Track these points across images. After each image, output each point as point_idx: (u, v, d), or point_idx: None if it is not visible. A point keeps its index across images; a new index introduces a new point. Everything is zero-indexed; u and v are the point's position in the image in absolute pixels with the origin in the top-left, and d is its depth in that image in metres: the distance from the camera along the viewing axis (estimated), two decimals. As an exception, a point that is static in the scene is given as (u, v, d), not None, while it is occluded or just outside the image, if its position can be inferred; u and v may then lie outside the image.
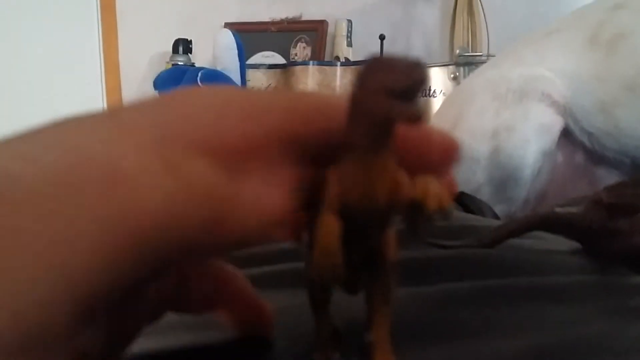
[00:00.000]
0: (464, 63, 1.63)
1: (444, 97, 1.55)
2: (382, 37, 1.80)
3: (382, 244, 0.18)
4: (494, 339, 0.24)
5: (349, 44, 1.98)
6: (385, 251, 0.18)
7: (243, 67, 1.71)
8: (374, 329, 0.18)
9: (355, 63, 1.83)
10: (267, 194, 0.19)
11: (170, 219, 0.15)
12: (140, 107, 0.17)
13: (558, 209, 0.37)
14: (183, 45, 1.97)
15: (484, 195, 0.85)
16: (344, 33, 1.98)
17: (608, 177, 0.85)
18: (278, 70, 1.82)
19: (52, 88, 2.08)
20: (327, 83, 1.73)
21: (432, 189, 0.16)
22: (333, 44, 2.03)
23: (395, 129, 0.16)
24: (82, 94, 2.12)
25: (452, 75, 1.63)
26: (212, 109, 0.18)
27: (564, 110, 0.86)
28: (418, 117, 0.16)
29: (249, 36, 2.02)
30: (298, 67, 1.77)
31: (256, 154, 0.18)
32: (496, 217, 0.76)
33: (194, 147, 0.16)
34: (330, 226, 0.16)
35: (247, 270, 0.38)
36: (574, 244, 0.36)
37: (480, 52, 1.74)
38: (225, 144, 0.17)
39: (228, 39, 1.86)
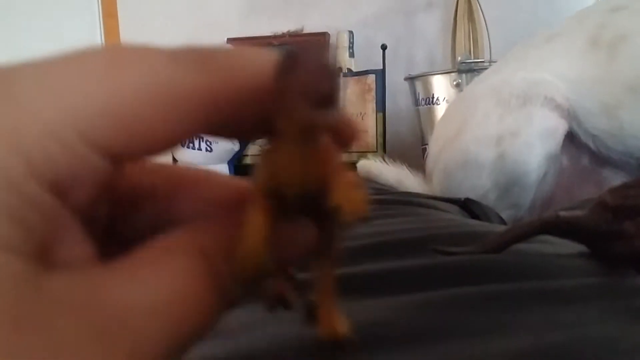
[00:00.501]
0: (466, 70, 1.63)
1: (447, 104, 1.55)
2: (383, 47, 1.81)
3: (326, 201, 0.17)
4: (500, 340, 0.24)
5: (351, 55, 1.99)
6: (330, 206, 0.17)
7: (247, 82, 1.72)
8: (318, 288, 0.18)
9: (357, 74, 1.84)
10: None
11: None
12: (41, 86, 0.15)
13: (563, 213, 0.37)
14: (187, 62, 1.98)
15: (490, 200, 0.85)
16: (346, 44, 1.99)
17: (614, 179, 0.85)
18: (282, 84, 1.83)
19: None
20: (331, 94, 1.73)
21: (351, 196, 0.16)
22: (335, 55, 2.04)
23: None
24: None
25: (454, 83, 1.63)
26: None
27: (568, 114, 0.86)
28: (340, 124, 0.15)
29: (252, 51, 2.03)
30: (301, 80, 1.78)
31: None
32: (503, 222, 0.76)
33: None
34: (255, 224, 0.16)
35: None
36: (579, 247, 0.36)
37: (482, 58, 1.74)
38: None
39: (231, 54, 1.87)
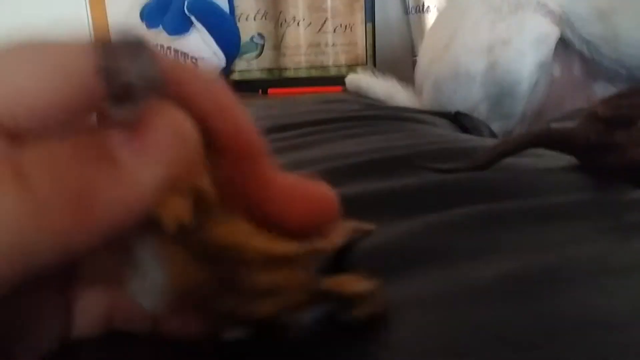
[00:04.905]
0: (458, -25, 1.58)
1: (438, 12, 1.51)
2: (371, -47, 1.73)
3: None
4: (490, 261, 0.23)
5: (339, -38, 1.91)
6: None
7: (230, -7, 1.65)
8: None
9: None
10: None
11: None
12: None
13: (554, 125, 0.36)
14: (167, -26, 1.90)
15: (481, 113, 0.84)
16: (333, -50, 1.91)
17: (605, 90, 0.84)
18: (267, -6, 1.76)
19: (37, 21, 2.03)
20: (319, 5, 1.67)
21: (171, 202, 0.16)
22: (322, -37, 1.96)
23: None
24: (67, 28, 2.07)
25: (445, -10, 1.59)
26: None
27: (560, 20, 0.84)
28: (130, 122, 0.15)
29: (235, -40, 1.95)
30: (287, -10, 1.71)
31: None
32: (493, 135, 0.76)
33: None
34: None
35: None
36: (571, 160, 0.36)
37: (474, -38, 1.67)
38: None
39: (213, -36, 1.80)
